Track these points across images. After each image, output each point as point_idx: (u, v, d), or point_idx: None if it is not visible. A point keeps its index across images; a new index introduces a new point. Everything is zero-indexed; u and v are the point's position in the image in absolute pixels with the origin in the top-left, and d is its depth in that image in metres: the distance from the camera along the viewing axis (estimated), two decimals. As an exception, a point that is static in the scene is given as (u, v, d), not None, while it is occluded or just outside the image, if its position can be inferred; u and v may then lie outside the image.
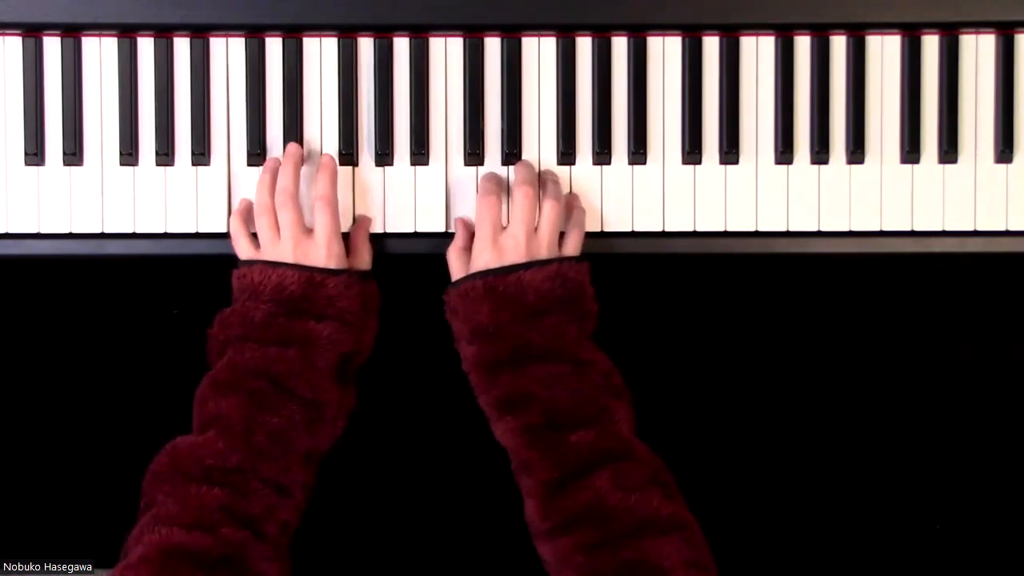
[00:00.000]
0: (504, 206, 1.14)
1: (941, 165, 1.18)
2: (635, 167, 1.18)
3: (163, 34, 1.16)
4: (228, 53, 1.17)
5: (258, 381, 1.06)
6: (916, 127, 1.18)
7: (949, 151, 1.18)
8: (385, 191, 1.18)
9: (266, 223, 1.13)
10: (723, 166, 1.18)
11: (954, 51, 1.18)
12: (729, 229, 1.18)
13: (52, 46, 1.16)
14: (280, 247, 1.11)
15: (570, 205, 1.16)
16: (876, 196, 1.18)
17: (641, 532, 1.01)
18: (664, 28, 1.17)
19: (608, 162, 1.18)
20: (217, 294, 1.13)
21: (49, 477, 1.24)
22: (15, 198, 1.16)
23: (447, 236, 1.16)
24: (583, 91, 1.18)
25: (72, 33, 1.16)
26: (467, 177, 1.17)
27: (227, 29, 1.16)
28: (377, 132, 1.17)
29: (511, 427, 1.06)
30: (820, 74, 1.18)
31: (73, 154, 1.16)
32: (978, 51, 1.18)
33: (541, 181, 1.15)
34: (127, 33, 1.16)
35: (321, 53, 1.17)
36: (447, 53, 1.18)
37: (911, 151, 1.18)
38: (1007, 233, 1.18)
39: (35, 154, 1.16)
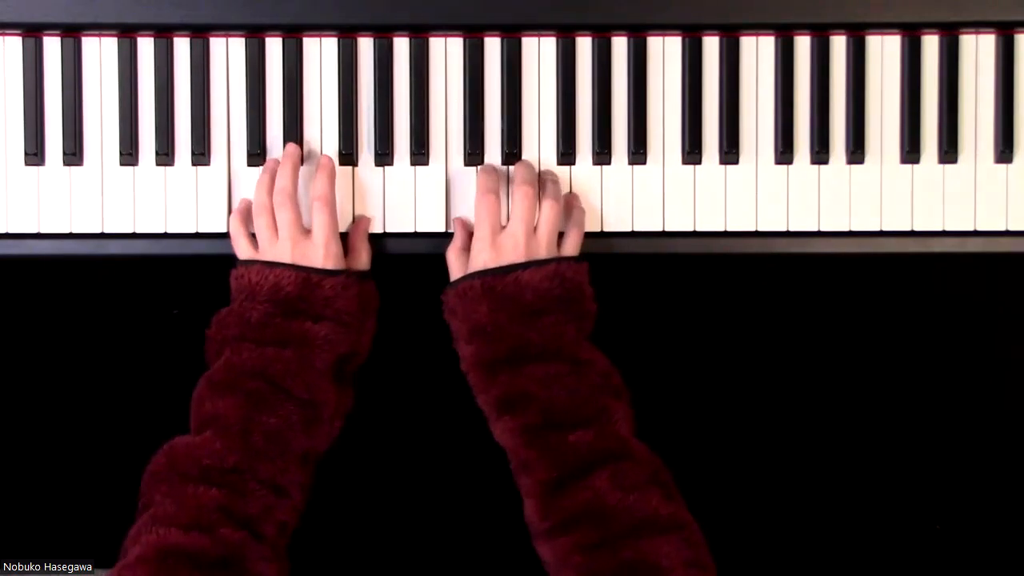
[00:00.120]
0: (503, 205, 1.14)
1: (941, 165, 1.18)
2: (635, 167, 1.18)
3: (163, 34, 1.16)
4: (228, 53, 1.17)
5: (255, 381, 1.06)
6: (916, 127, 1.18)
7: (949, 151, 1.17)
8: (385, 191, 1.18)
9: (264, 223, 1.13)
10: (723, 166, 1.18)
11: (954, 51, 1.18)
12: (729, 229, 1.18)
13: (52, 46, 1.16)
14: (278, 247, 1.11)
15: (569, 205, 1.16)
16: (876, 196, 1.18)
17: (640, 532, 1.01)
18: (664, 28, 1.17)
19: (608, 162, 1.18)
20: (217, 294, 1.13)
21: (49, 477, 1.24)
22: (15, 198, 1.17)
23: (447, 236, 1.16)
24: (583, 91, 1.18)
25: (72, 33, 1.16)
26: (467, 177, 1.17)
27: (227, 29, 1.16)
28: (377, 132, 1.17)
29: (509, 427, 1.06)
30: (820, 74, 1.18)
31: (73, 154, 1.16)
32: (978, 51, 1.18)
33: (541, 181, 1.15)
34: (127, 33, 1.16)
35: (321, 53, 1.17)
36: (447, 53, 1.18)
37: (911, 151, 1.17)
38: (1007, 233, 1.18)
39: (35, 154, 1.16)
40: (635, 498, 1.02)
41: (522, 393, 1.06)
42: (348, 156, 1.17)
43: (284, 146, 1.16)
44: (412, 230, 1.18)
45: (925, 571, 1.27)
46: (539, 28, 1.17)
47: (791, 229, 1.18)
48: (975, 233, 1.18)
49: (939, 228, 1.18)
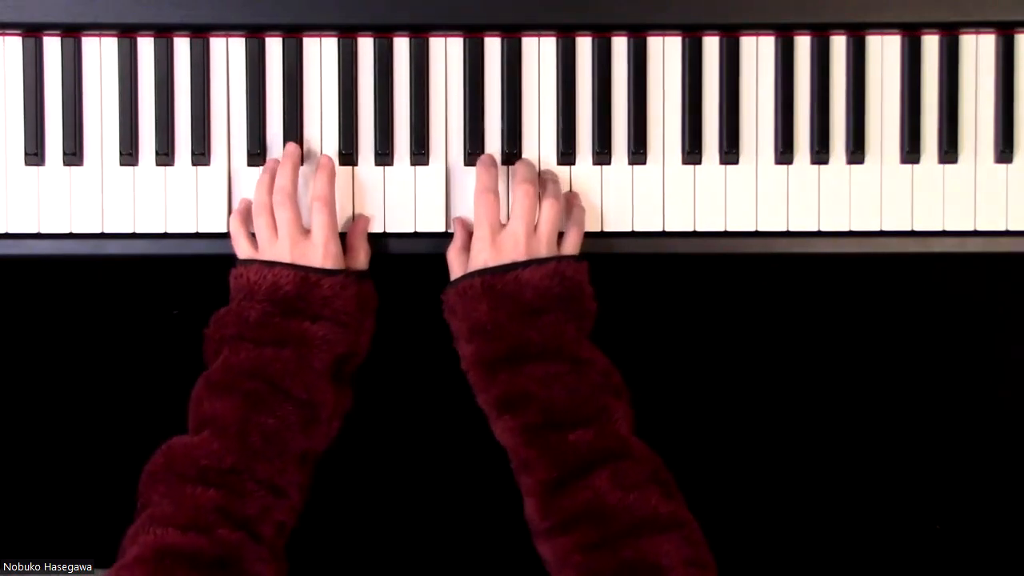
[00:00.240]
0: (502, 204, 1.14)
1: (941, 165, 1.18)
2: (635, 167, 1.18)
3: (163, 34, 1.16)
4: (228, 53, 1.17)
5: (253, 382, 1.06)
6: (916, 127, 1.18)
7: (949, 151, 1.17)
8: (385, 191, 1.18)
9: (264, 223, 1.13)
10: (723, 166, 1.18)
11: (954, 51, 1.18)
12: (729, 229, 1.18)
13: (52, 46, 1.16)
14: (277, 247, 1.11)
15: (570, 204, 1.16)
16: (876, 196, 1.18)
17: (640, 531, 1.01)
18: (664, 28, 1.17)
19: (608, 162, 1.18)
20: (217, 294, 1.13)
21: (49, 477, 1.24)
22: (15, 198, 1.17)
23: (447, 236, 1.16)
24: (583, 91, 1.18)
25: (72, 33, 1.16)
26: (467, 177, 1.17)
27: (227, 29, 1.16)
28: (377, 132, 1.17)
29: (510, 426, 1.06)
30: (820, 74, 1.18)
31: (73, 154, 1.16)
32: (978, 51, 1.18)
33: (541, 180, 1.15)
34: (127, 33, 1.16)
35: (321, 53, 1.17)
36: (447, 53, 1.18)
37: (911, 151, 1.17)
38: (1007, 233, 1.18)
39: (35, 154, 1.16)
40: (635, 497, 1.02)
41: (522, 392, 1.06)
42: (348, 156, 1.17)
43: (284, 146, 1.16)
44: (412, 230, 1.17)
45: (925, 571, 1.27)
46: (539, 28, 1.17)
47: (791, 229, 1.18)
48: (975, 233, 1.18)
49: (939, 228, 1.18)
